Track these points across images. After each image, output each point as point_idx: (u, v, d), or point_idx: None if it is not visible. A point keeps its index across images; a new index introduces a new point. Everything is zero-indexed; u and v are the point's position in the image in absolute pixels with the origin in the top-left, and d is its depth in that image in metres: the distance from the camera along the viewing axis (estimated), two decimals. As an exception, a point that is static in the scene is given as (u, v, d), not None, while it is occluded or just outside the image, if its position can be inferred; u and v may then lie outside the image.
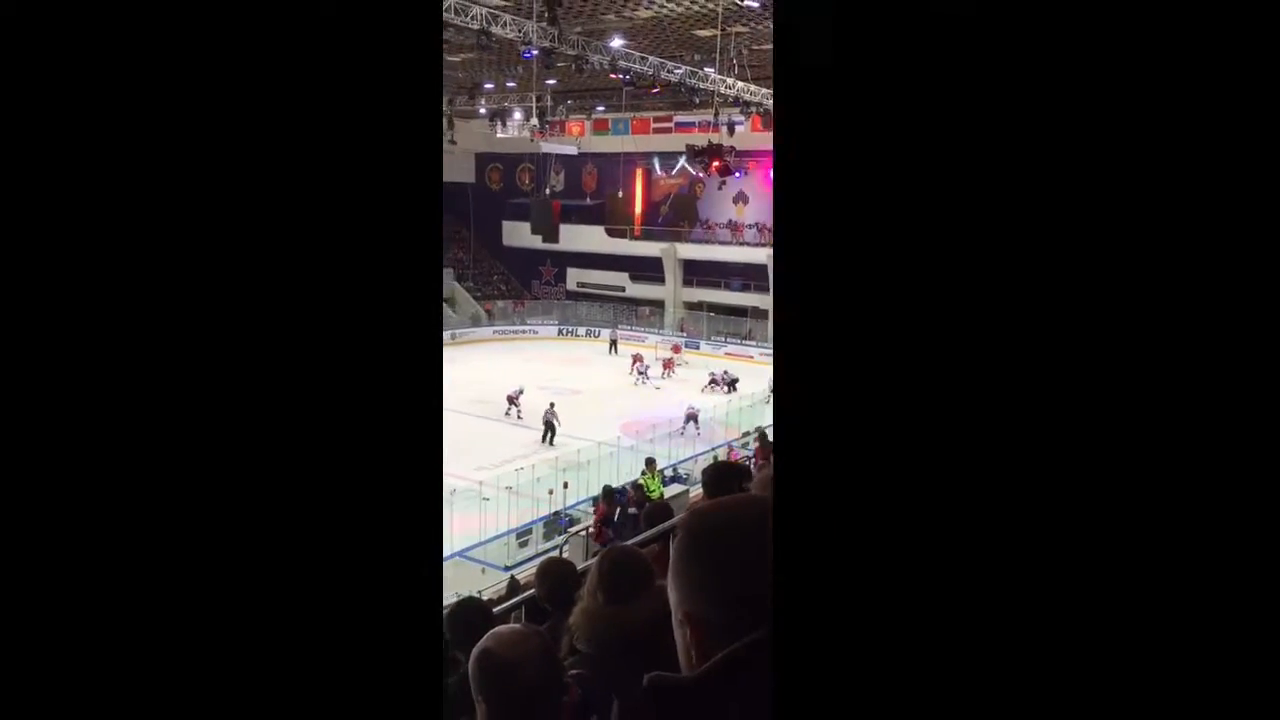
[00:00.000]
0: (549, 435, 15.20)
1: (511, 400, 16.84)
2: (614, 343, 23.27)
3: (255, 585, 0.85)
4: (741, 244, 24.95)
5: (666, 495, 9.66)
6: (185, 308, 0.85)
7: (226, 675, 0.84)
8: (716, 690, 0.80)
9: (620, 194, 26.08)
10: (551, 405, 15.55)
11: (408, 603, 0.88)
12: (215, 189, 0.86)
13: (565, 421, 15.26)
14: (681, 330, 24.29)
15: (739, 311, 24.14)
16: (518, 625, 1.69)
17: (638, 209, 26.45)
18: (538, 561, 4.10)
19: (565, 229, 23.53)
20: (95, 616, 0.82)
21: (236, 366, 0.86)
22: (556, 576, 2.56)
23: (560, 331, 25.27)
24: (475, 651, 1.30)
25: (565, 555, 7.49)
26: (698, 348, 22.88)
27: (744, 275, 24.25)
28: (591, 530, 8.80)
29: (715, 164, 16.69)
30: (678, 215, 25.92)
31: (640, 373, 20.11)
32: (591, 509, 10.17)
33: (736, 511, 0.94)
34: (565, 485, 11.63)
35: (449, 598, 5.38)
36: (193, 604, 0.84)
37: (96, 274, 0.84)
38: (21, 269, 0.82)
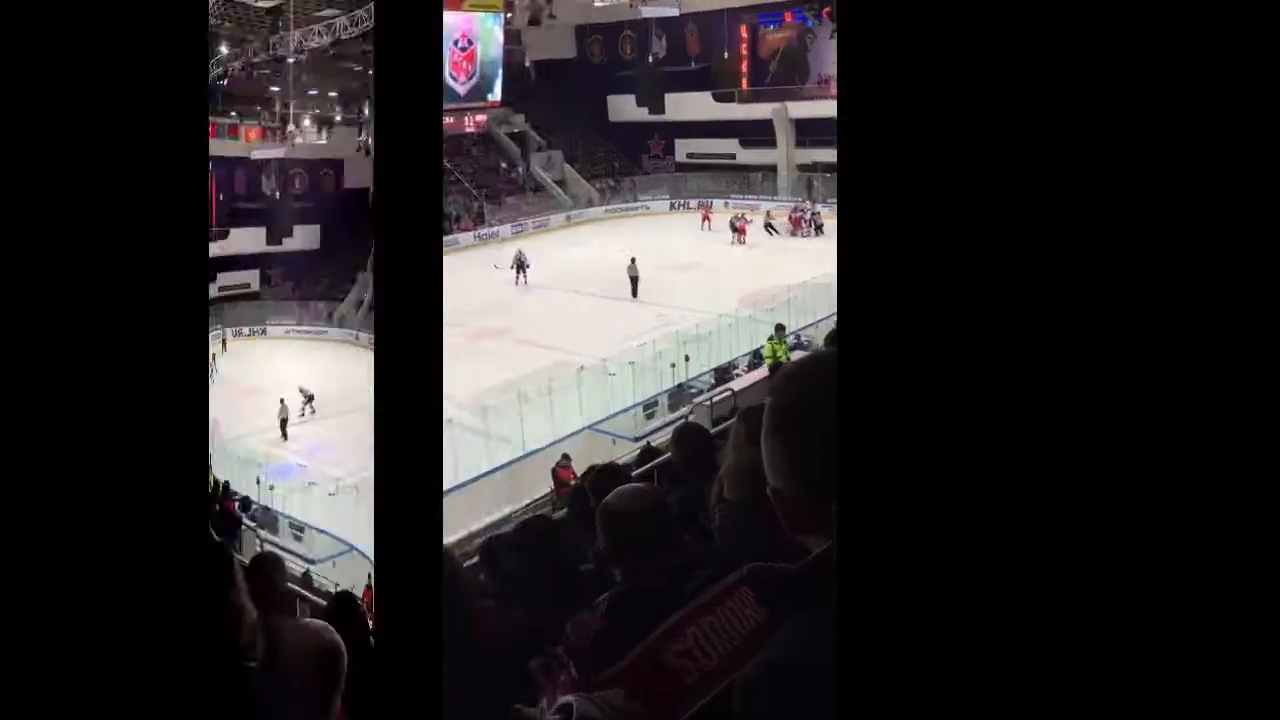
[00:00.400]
0: (634, 287, 17.45)
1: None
2: (706, 217, 22.92)
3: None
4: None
5: (791, 359, 10.03)
6: None
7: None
8: (808, 586, 0.86)
9: (725, 54, 25.02)
10: (633, 260, 17.59)
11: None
12: None
13: (685, 296, 16.12)
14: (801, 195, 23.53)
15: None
16: (638, 485, 2.14)
17: (744, 68, 25.30)
18: (665, 432, 4.30)
19: (671, 98, 23.07)
20: None
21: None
22: (693, 440, 2.80)
23: (672, 206, 25.06)
24: (601, 504, 1.60)
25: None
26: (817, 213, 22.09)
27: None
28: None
29: (825, 9, 15.83)
30: (787, 71, 24.64)
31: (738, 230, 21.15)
32: (713, 381, 11.72)
33: (817, 384, 0.92)
34: (686, 359, 12.37)
35: (583, 468, 5.74)
36: None
37: None
38: None
